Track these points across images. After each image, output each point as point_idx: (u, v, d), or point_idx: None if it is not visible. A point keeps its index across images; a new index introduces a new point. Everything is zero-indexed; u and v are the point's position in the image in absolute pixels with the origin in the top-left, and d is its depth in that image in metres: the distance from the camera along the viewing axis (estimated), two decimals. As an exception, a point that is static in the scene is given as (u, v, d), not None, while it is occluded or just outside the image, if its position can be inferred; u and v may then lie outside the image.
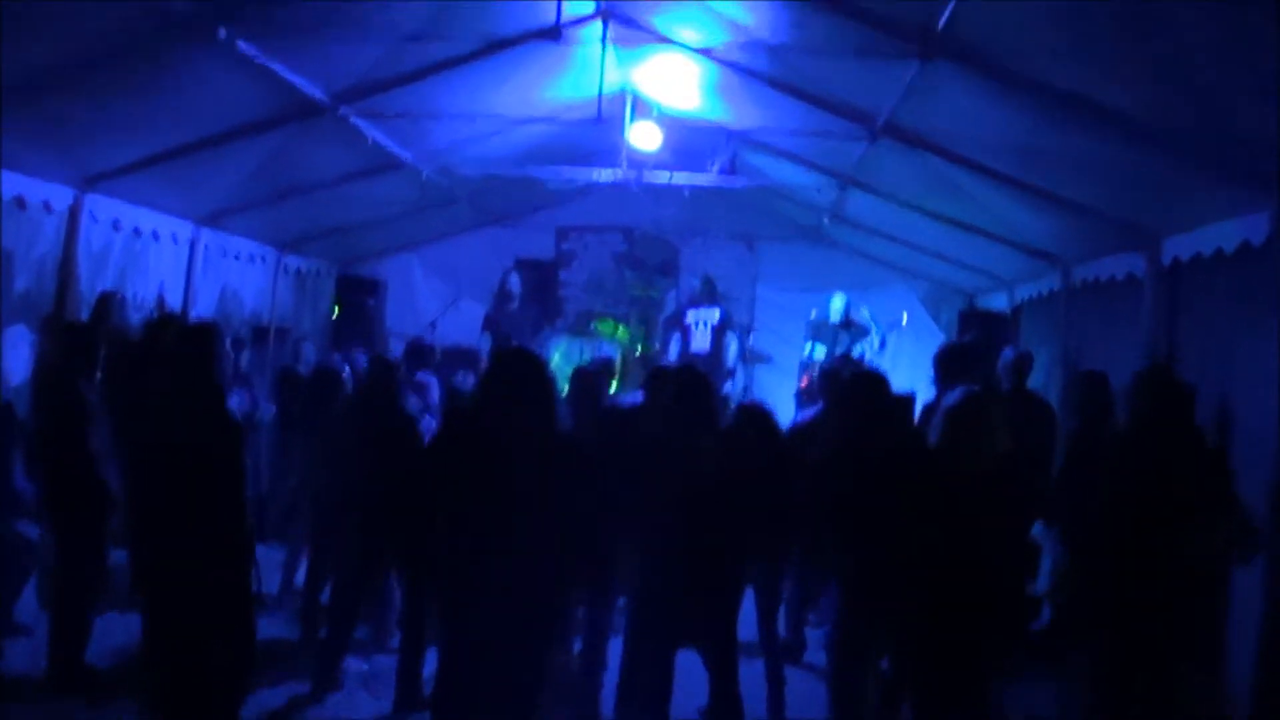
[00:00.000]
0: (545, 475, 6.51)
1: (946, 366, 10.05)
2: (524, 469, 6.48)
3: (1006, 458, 6.89)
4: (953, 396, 6.92)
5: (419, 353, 14.22)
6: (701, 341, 18.14)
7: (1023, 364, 11.66)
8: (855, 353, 17.25)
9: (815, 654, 11.07)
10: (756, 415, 9.07)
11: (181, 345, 7.92)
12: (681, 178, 15.62)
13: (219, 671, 7.55)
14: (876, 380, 8.77)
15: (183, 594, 7.35)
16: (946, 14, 8.44)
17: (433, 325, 18.29)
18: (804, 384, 12.95)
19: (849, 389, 8.72)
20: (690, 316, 18.48)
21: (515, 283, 18.32)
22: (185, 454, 7.25)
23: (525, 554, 6.38)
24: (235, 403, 9.68)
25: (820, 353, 17.59)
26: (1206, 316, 10.19)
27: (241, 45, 9.62)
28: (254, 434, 12.93)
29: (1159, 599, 7.41)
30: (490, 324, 17.75)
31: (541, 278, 20.33)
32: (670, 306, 20.31)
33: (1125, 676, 7.63)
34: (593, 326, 20.10)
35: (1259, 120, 7.76)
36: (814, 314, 18.11)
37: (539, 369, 6.84)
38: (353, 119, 12.20)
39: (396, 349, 17.96)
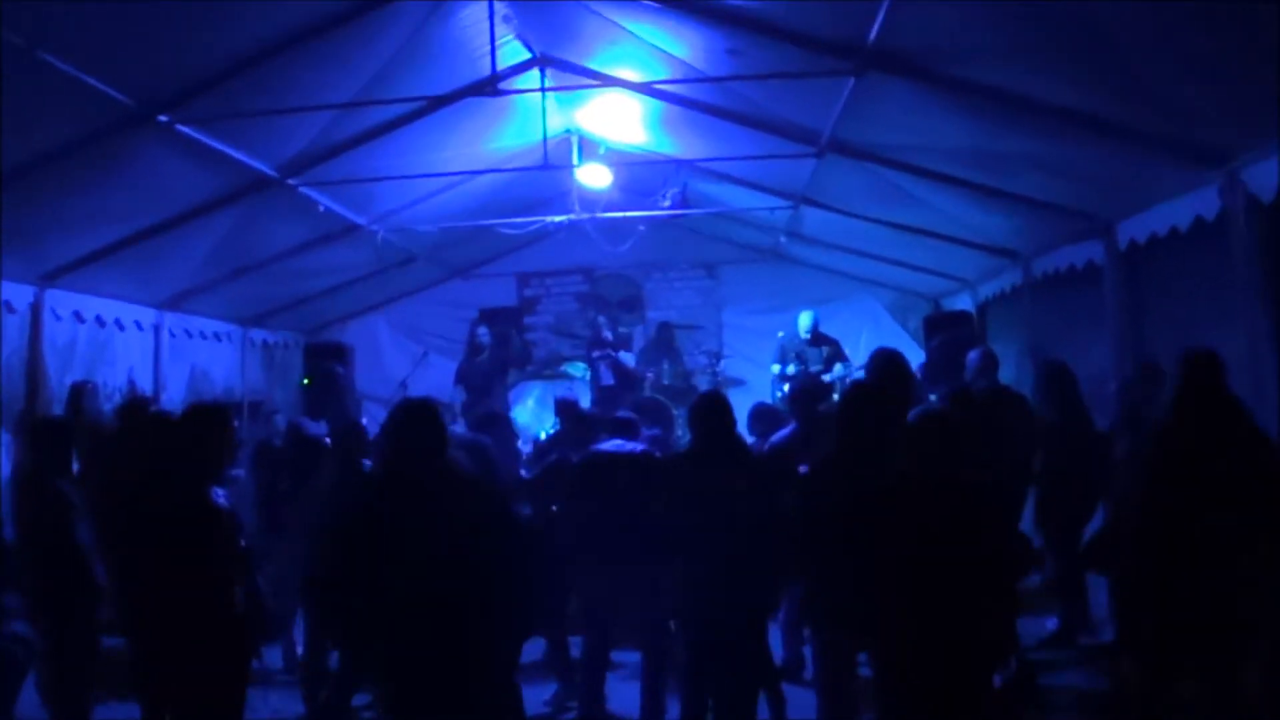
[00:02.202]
0: (456, 523, 6.43)
1: (877, 374, 10.04)
2: (430, 524, 6.40)
3: (983, 462, 6.92)
4: (913, 415, 6.92)
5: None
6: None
7: (988, 362, 11.68)
8: (831, 370, 17.22)
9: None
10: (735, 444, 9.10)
11: (187, 428, 7.79)
12: (635, 213, 15.66)
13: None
14: (869, 392, 8.76)
15: (179, 682, 7.30)
16: (876, 28, 8.51)
17: (404, 384, 18.26)
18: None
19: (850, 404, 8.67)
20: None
21: (484, 334, 18.35)
22: (177, 540, 7.21)
23: (447, 611, 6.29)
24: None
25: (790, 370, 17.57)
26: (1168, 295, 10.26)
27: (183, 130, 9.65)
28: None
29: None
30: (462, 377, 17.75)
31: (508, 326, 20.32)
32: (639, 341, 20.35)
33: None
34: (563, 369, 20.10)
35: (1194, 98, 7.85)
36: (781, 334, 18.09)
37: (423, 415, 6.77)
38: (302, 189, 12.24)
39: (372, 412, 17.95)
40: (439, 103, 11.70)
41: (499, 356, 18.24)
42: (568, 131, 14.50)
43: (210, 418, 7.61)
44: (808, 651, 11.21)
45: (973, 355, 11.84)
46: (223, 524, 7.30)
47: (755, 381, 18.70)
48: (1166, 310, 10.27)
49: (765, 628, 8.95)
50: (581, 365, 19.56)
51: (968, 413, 9.60)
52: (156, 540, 7.25)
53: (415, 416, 6.67)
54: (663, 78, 11.75)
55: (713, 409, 8.29)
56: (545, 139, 12.86)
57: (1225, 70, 7.37)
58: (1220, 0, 6.60)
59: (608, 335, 18.80)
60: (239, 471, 12.75)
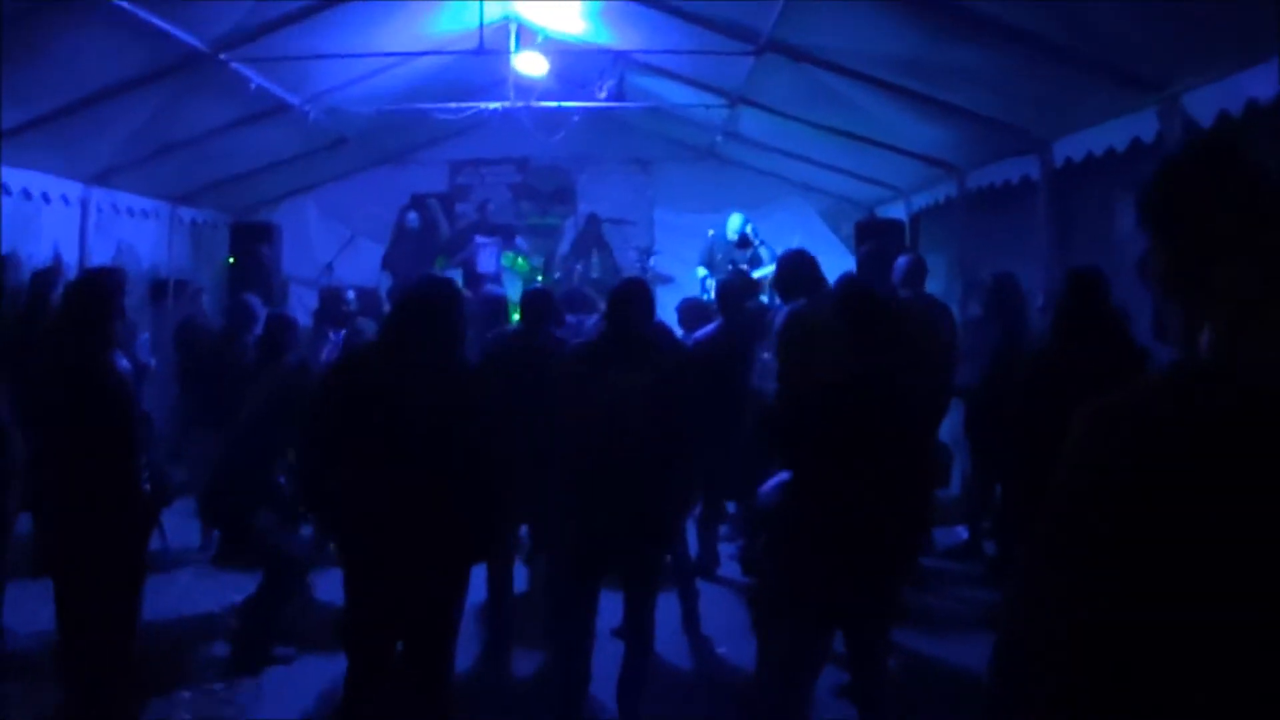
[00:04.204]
0: (442, 409, 6.39)
1: (784, 282, 9.97)
2: (418, 403, 6.36)
3: (897, 363, 6.87)
4: (779, 316, 6.86)
5: (332, 306, 14.23)
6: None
7: (917, 270, 11.66)
8: (754, 272, 17.19)
9: (729, 568, 11.13)
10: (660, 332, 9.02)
11: (75, 297, 7.64)
12: (570, 104, 15.52)
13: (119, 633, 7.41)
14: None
15: (81, 564, 7.20)
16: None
17: (329, 267, 18.15)
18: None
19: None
20: None
21: (413, 219, 18.27)
22: (72, 415, 7.10)
23: (423, 491, 6.27)
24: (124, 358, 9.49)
25: (714, 271, 17.55)
26: (1100, 215, 10.25)
27: (116, 1, 9.41)
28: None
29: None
30: (388, 262, 17.64)
31: (437, 211, 20.18)
32: (569, 233, 20.27)
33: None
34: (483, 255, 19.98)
35: (1141, 22, 7.78)
36: (711, 233, 18.06)
37: (447, 298, 6.70)
38: (234, 66, 11.98)
39: (296, 294, 17.81)
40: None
41: (427, 241, 18.13)
42: (506, 18, 14.29)
43: (95, 284, 7.49)
44: (722, 549, 11.30)
45: (901, 261, 11.83)
46: (113, 391, 7.18)
47: (685, 280, 18.64)
48: (1099, 229, 10.26)
49: (678, 525, 8.93)
50: (510, 255, 19.42)
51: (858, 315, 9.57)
52: (53, 409, 7.15)
53: (437, 300, 6.62)
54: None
55: (629, 297, 8.16)
56: (482, 24, 12.66)
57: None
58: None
59: (495, 219, 18.85)
60: (150, 359, 12.64)
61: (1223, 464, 2.02)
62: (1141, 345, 7.42)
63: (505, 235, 19.06)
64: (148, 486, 7.43)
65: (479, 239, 18.71)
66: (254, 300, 12.26)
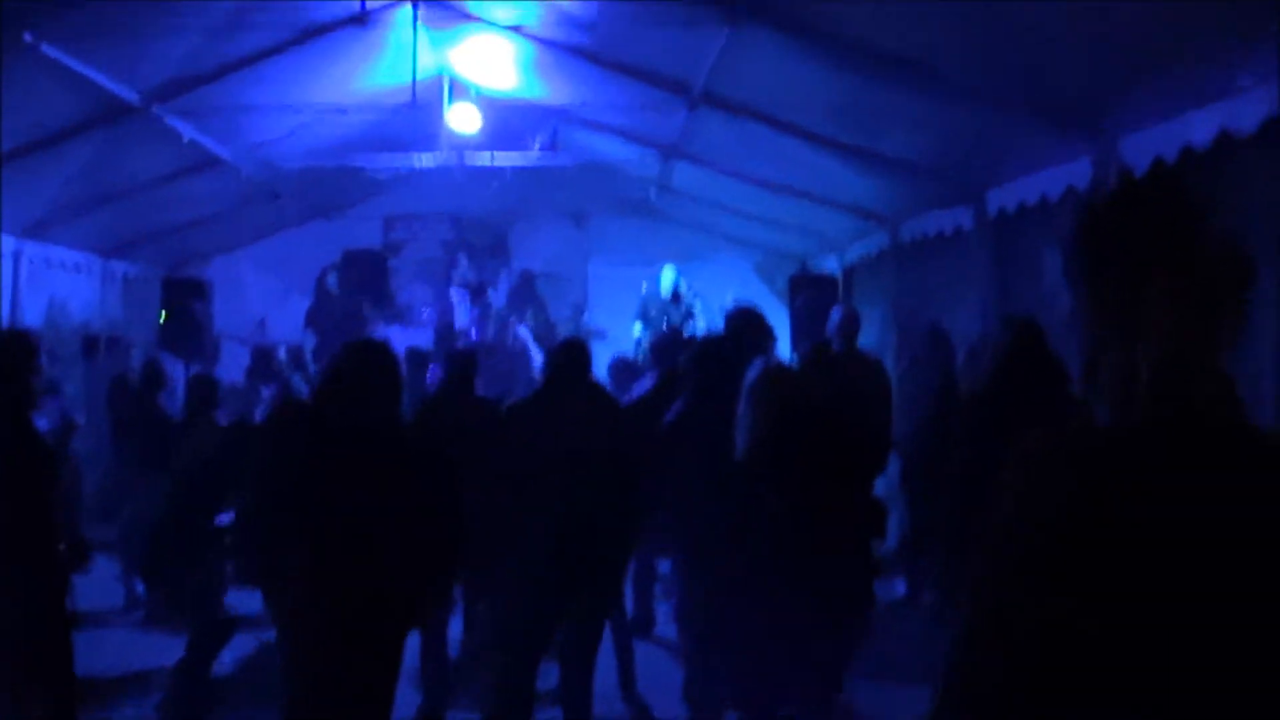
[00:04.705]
0: (388, 476, 6.30)
1: (734, 331, 9.93)
2: (363, 469, 6.26)
3: (836, 419, 6.84)
4: (751, 373, 6.82)
5: (263, 364, 14.14)
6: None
7: (850, 324, 11.68)
8: (686, 328, 17.16)
9: (665, 628, 11.03)
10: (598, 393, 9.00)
11: None
12: (504, 158, 15.49)
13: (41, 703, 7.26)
14: (723, 347, 8.67)
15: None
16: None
17: (262, 324, 18.02)
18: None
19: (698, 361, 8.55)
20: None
21: (333, 282, 18.24)
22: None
23: (361, 561, 6.16)
24: (45, 416, 9.36)
25: (644, 329, 17.52)
26: (1035, 265, 10.26)
27: (46, 49, 9.31)
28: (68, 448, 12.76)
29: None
30: (312, 320, 17.56)
31: (370, 268, 20.08)
32: (503, 288, 20.18)
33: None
34: (424, 315, 19.87)
35: (1075, 68, 7.81)
36: (644, 288, 18.05)
37: (383, 361, 6.61)
38: (167, 118, 11.88)
39: (230, 351, 17.66)
40: (308, 34, 11.39)
41: (353, 300, 18.07)
42: (440, 72, 14.23)
43: (7, 347, 7.41)
44: (659, 608, 11.21)
45: (835, 314, 11.84)
46: (27, 451, 7.09)
47: (619, 334, 18.58)
48: (1035, 278, 10.26)
49: (617, 578, 8.85)
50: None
51: (822, 372, 9.52)
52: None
53: (368, 362, 6.52)
54: (537, 19, 11.54)
55: (567, 358, 8.13)
56: (415, 79, 12.62)
57: (1104, 42, 7.34)
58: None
59: (470, 276, 18.71)
60: (78, 416, 12.51)
61: (1167, 509, 1.99)
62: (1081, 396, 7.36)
63: (477, 290, 18.93)
64: (63, 547, 7.35)
65: (453, 291, 18.62)
66: (162, 359, 12.19)
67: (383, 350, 6.77)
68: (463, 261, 19.34)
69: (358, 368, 6.52)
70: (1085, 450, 2.14)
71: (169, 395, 12.06)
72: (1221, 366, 2.16)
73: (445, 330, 18.07)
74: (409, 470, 6.40)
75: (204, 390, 10.12)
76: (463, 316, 18.42)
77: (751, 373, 6.81)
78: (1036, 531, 2.11)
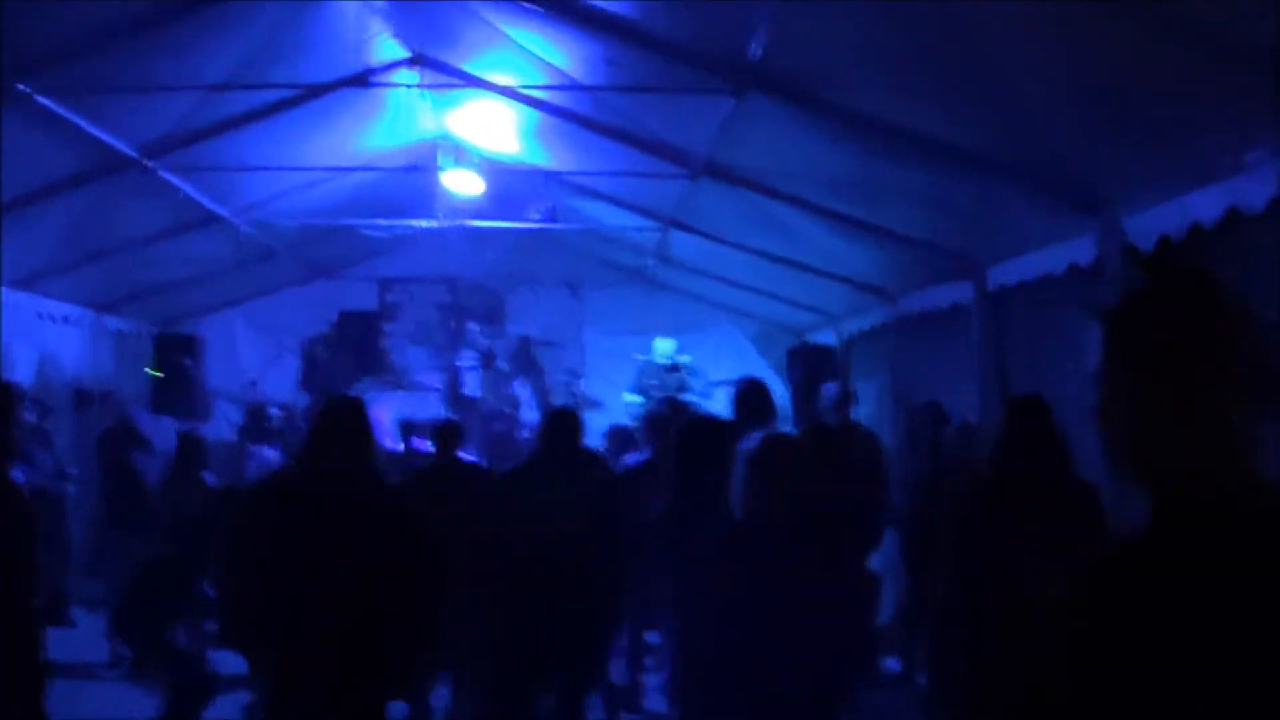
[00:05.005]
0: (361, 536, 6.20)
1: (742, 407, 9.83)
2: (341, 529, 6.16)
3: (830, 493, 6.76)
4: (751, 441, 6.74)
5: (256, 423, 14.07)
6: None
7: (845, 398, 11.63)
8: (683, 396, 17.07)
9: (654, 700, 10.88)
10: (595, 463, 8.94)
11: None
12: (503, 224, 15.45)
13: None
14: (711, 426, 8.60)
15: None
16: (758, 47, 8.34)
17: (254, 383, 17.92)
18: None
19: (682, 438, 8.48)
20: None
21: (321, 350, 18.19)
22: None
23: (345, 624, 6.05)
24: (32, 469, 9.29)
25: (640, 398, 17.43)
26: (1035, 342, 10.20)
27: (42, 100, 9.25)
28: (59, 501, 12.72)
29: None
30: (306, 381, 17.48)
31: (364, 330, 20.00)
32: (499, 355, 20.11)
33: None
34: (421, 380, 19.77)
35: (1078, 144, 7.76)
36: (640, 357, 17.97)
37: (353, 414, 6.52)
38: (163, 173, 11.81)
39: (221, 409, 17.56)
40: (310, 94, 11.36)
41: (351, 364, 18.02)
42: (440, 136, 14.21)
43: None
44: (647, 680, 11.07)
45: (828, 389, 11.79)
46: (7, 502, 7.01)
47: (613, 404, 18.49)
48: (1035, 355, 10.18)
49: (603, 649, 8.73)
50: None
51: (817, 446, 9.43)
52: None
53: (342, 418, 6.44)
54: (543, 82, 11.53)
55: (560, 425, 8.06)
56: (416, 141, 12.64)
57: (1109, 118, 7.30)
58: (1105, 51, 6.54)
59: (481, 343, 18.66)
60: (72, 470, 12.46)
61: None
62: (1086, 479, 7.25)
63: (487, 357, 18.83)
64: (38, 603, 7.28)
65: (461, 358, 18.54)
66: (139, 417, 12.13)
67: (353, 404, 6.69)
68: (472, 328, 19.24)
69: (329, 423, 6.44)
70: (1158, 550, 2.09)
71: (150, 453, 11.97)
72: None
73: (454, 397, 17.96)
74: (383, 530, 6.31)
75: (192, 448, 10.04)
76: (472, 383, 18.32)
77: (750, 443, 6.72)
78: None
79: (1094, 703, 2.01)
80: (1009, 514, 6.93)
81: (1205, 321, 2.15)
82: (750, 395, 9.20)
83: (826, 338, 17.12)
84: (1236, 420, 2.13)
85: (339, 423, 6.42)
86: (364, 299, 20.56)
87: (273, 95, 11.17)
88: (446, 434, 10.05)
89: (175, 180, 12.22)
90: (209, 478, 9.88)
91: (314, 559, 6.03)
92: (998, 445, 7.44)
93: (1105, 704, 2.00)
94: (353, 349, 18.92)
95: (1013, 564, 6.80)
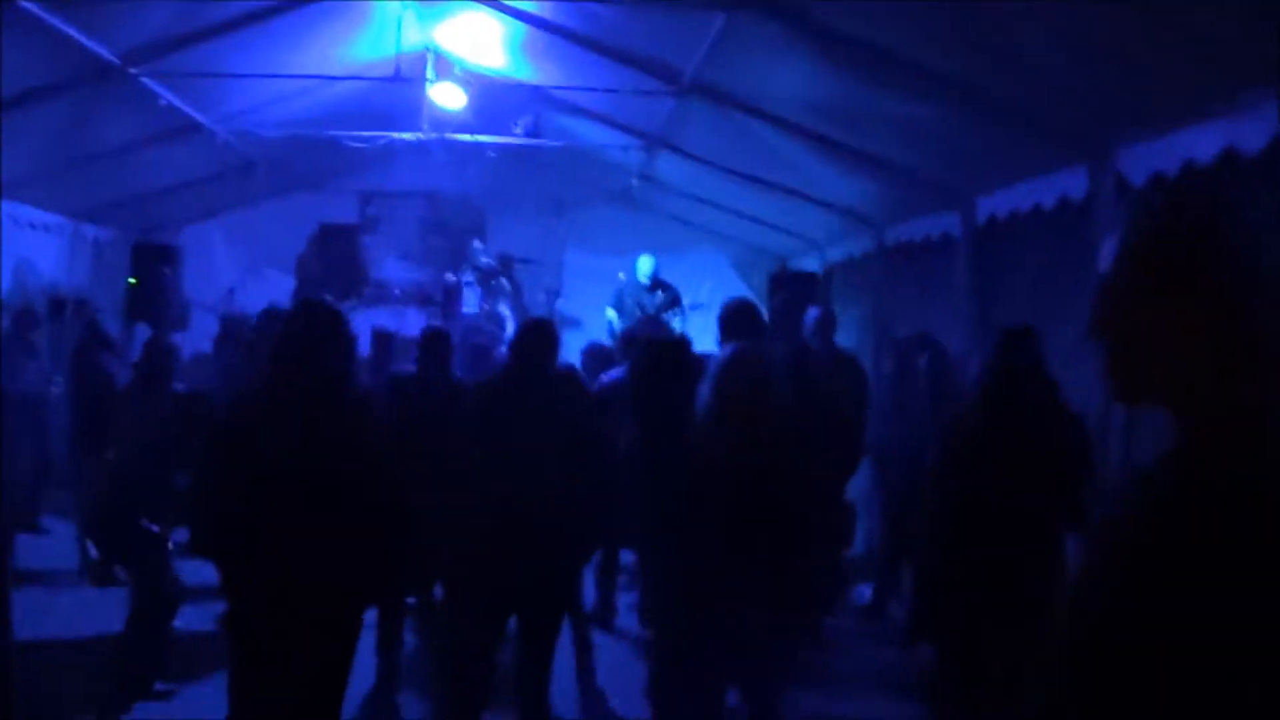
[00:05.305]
0: (331, 450, 6.11)
1: (727, 325, 9.70)
2: (305, 446, 6.07)
3: (808, 414, 6.69)
4: (724, 353, 6.66)
5: (234, 332, 14.01)
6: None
7: (827, 322, 11.53)
8: (664, 316, 17.01)
9: (627, 618, 10.85)
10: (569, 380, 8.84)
11: None
12: (485, 139, 15.30)
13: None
14: (677, 345, 8.54)
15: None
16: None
17: (231, 292, 17.80)
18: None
19: (648, 358, 8.40)
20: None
21: (313, 267, 18.18)
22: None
23: (315, 536, 5.96)
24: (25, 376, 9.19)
25: (619, 316, 17.37)
26: (1023, 275, 10.11)
27: (24, 4, 9.08)
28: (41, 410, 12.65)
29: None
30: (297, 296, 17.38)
31: (344, 243, 19.85)
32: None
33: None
34: (398, 294, 19.63)
35: (1074, 77, 7.66)
36: (622, 276, 17.88)
37: (330, 318, 6.41)
38: (145, 80, 11.62)
39: (198, 319, 17.43)
40: (293, 1, 11.17)
41: (337, 279, 17.95)
42: (426, 47, 14.02)
43: None
44: (620, 599, 11.03)
45: (811, 313, 11.70)
46: None
47: (593, 324, 18.42)
48: (1023, 289, 10.10)
49: (575, 569, 8.66)
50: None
51: (797, 368, 9.33)
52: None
53: (318, 326, 6.34)
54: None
55: (533, 337, 7.94)
56: (399, 52, 12.47)
57: (1104, 53, 7.19)
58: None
59: (486, 260, 18.56)
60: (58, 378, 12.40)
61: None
62: (1075, 412, 7.18)
63: (487, 276, 18.67)
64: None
65: (462, 277, 18.45)
66: (105, 320, 12.05)
67: (329, 309, 6.58)
68: (476, 245, 19.06)
69: (306, 330, 6.34)
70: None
71: (121, 359, 11.89)
72: None
73: (450, 313, 17.82)
74: (356, 437, 6.24)
75: (159, 354, 9.87)
76: (472, 301, 18.20)
77: (724, 352, 6.64)
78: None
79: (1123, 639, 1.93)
80: (998, 441, 6.86)
81: (1234, 236, 2.04)
82: (738, 315, 9.08)
83: (809, 265, 17.03)
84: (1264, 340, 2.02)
85: (316, 331, 6.32)
86: (344, 212, 20.41)
87: (257, 3, 10.99)
88: (432, 344, 9.89)
89: (157, 87, 12.04)
90: (178, 385, 9.75)
91: (288, 468, 5.94)
92: (986, 373, 7.37)
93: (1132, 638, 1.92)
94: (331, 261, 18.77)
95: (1002, 491, 6.76)
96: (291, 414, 6.08)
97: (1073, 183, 8.58)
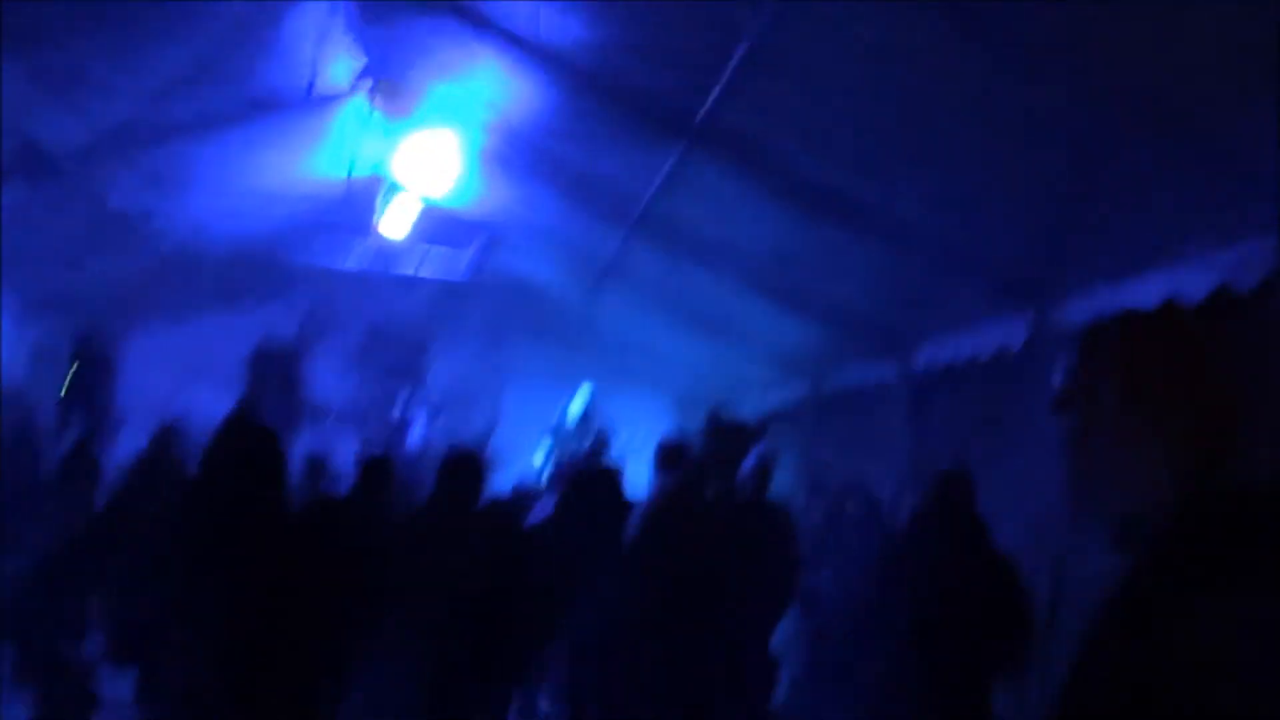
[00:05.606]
0: (266, 560, 6.06)
1: (660, 463, 9.73)
2: (244, 553, 6.02)
3: (735, 561, 6.70)
4: (656, 490, 6.68)
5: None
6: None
7: (762, 470, 11.52)
8: (597, 453, 16.99)
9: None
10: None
11: None
12: (430, 266, 15.35)
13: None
14: (610, 477, 8.56)
15: None
16: (710, 102, 8.30)
17: (167, 403, 17.71)
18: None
19: (582, 488, 8.41)
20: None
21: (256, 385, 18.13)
22: None
23: (239, 655, 5.89)
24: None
25: (555, 450, 17.36)
26: (961, 423, 10.16)
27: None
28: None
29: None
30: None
31: (284, 368, 19.74)
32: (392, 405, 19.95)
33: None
34: (331, 420, 19.52)
35: (1017, 228, 7.76)
36: (557, 413, 17.91)
37: (260, 435, 6.39)
38: (98, 175, 11.57)
39: (130, 426, 17.29)
40: (251, 110, 11.27)
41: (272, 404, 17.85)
42: (376, 173, 14.09)
43: None
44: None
45: (748, 461, 11.70)
46: None
47: (529, 457, 18.39)
48: (958, 436, 10.15)
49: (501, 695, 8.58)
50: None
51: (728, 516, 9.36)
52: None
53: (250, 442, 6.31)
54: (487, 124, 11.47)
55: (459, 469, 7.93)
56: (351, 174, 12.54)
57: (1050, 204, 7.31)
58: (1047, 138, 6.55)
59: (433, 397, 18.56)
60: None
61: None
62: (1005, 554, 7.21)
63: (435, 412, 18.63)
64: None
65: (408, 410, 18.42)
66: (36, 419, 11.99)
67: (260, 426, 6.56)
68: (429, 377, 19.05)
69: (234, 442, 6.31)
70: None
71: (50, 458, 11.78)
72: None
73: (396, 442, 17.74)
74: (285, 559, 6.18)
75: (85, 458, 9.80)
76: (416, 433, 18.14)
77: (657, 489, 6.66)
78: None
79: None
80: (925, 583, 6.88)
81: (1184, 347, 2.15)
82: (671, 454, 9.11)
83: (747, 410, 17.06)
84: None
85: (245, 447, 6.29)
86: (285, 331, 20.34)
87: (215, 107, 11.02)
88: (371, 471, 9.83)
89: (107, 189, 11.98)
90: (99, 492, 9.66)
91: (212, 579, 5.88)
92: (918, 516, 7.41)
93: None
94: (268, 383, 18.69)
95: (930, 638, 6.75)
96: (216, 526, 6.03)
97: (1012, 333, 8.65)
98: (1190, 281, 6.53)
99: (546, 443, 17.53)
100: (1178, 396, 2.11)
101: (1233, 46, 5.34)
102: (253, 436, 6.38)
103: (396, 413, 18.65)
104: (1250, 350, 2.30)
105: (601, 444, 16.96)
